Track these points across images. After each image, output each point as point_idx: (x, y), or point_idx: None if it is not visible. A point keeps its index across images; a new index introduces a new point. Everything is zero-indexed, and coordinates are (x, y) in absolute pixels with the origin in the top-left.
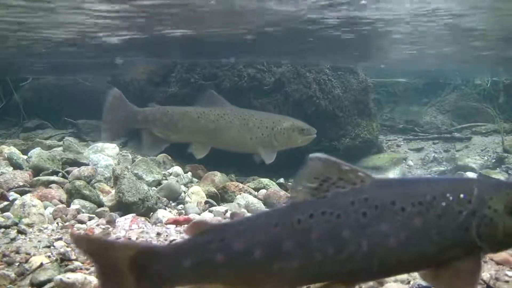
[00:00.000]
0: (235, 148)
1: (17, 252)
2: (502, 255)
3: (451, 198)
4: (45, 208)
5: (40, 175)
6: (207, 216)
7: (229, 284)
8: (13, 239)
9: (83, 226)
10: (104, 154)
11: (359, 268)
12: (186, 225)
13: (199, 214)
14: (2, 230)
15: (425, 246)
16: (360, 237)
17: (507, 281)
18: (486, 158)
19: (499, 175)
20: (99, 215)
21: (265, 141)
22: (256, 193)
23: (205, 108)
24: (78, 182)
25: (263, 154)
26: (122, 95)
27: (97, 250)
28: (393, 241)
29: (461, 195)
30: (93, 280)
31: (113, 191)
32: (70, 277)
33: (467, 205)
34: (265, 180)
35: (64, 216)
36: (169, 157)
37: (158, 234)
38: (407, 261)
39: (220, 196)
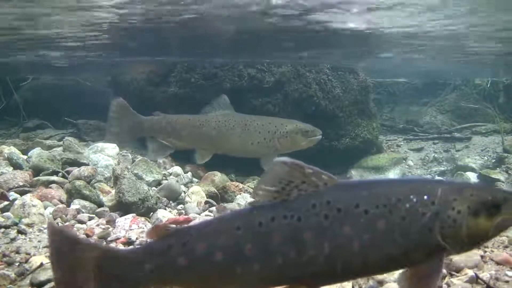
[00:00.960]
0: (238, 154)
1: (17, 252)
2: (502, 255)
3: (414, 200)
4: (45, 208)
5: (40, 175)
6: (207, 216)
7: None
8: (13, 239)
9: (83, 226)
10: (104, 154)
11: (321, 270)
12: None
13: (199, 214)
14: (2, 230)
15: (390, 248)
16: (322, 240)
17: (507, 281)
18: (486, 158)
19: (499, 175)
20: (99, 215)
21: (268, 146)
22: None
23: (207, 116)
24: (78, 182)
25: (264, 159)
26: (127, 104)
27: (64, 244)
28: (357, 244)
29: (425, 197)
30: None
31: (113, 191)
32: None
33: (431, 207)
34: None
35: (64, 216)
36: (169, 157)
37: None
38: (372, 263)
39: (220, 196)
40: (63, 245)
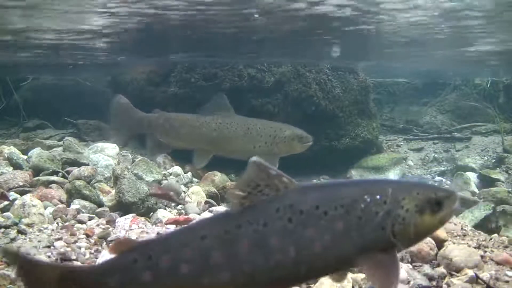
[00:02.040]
0: (238, 156)
1: None
2: (502, 255)
3: (368, 200)
4: (45, 208)
5: (40, 175)
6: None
7: None
8: (13, 239)
9: (83, 226)
10: (104, 154)
11: (287, 274)
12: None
13: (199, 214)
14: (2, 230)
15: (348, 247)
16: (288, 244)
17: (507, 281)
18: (486, 158)
19: (499, 175)
20: (99, 215)
21: (268, 149)
22: None
23: (207, 116)
24: (78, 182)
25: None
26: (128, 101)
27: (26, 268)
28: (319, 245)
29: (378, 197)
30: None
31: (113, 191)
32: None
33: (383, 206)
34: None
35: (64, 216)
36: (169, 157)
37: (158, 234)
38: (332, 263)
39: (220, 196)
40: (27, 271)
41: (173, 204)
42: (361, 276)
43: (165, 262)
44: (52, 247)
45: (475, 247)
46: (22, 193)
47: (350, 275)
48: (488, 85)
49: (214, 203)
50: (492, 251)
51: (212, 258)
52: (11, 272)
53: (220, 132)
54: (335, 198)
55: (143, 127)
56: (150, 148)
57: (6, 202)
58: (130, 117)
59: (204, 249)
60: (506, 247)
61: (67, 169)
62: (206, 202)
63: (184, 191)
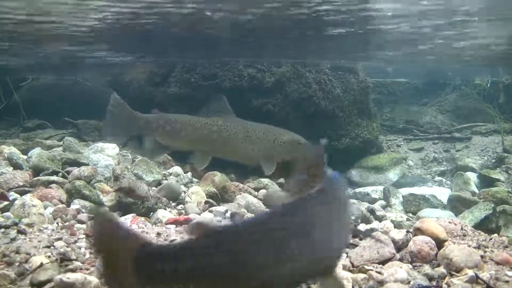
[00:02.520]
0: (237, 159)
1: (17, 252)
2: (502, 255)
3: None
4: (45, 208)
5: (40, 175)
6: (207, 216)
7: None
8: (13, 239)
9: (83, 226)
10: (104, 154)
11: None
12: (186, 225)
13: (199, 214)
14: (2, 230)
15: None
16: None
17: (507, 281)
18: (486, 158)
19: (499, 175)
20: None
21: (267, 153)
22: (256, 193)
23: (208, 118)
24: (78, 182)
25: (264, 165)
26: (122, 101)
27: (106, 236)
28: None
29: None
30: (93, 280)
31: (113, 191)
32: (70, 277)
33: None
34: (265, 180)
35: (64, 216)
36: (169, 157)
37: (158, 234)
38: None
39: (220, 196)
40: (105, 235)
41: (173, 204)
42: (361, 276)
43: (240, 250)
44: (52, 247)
45: (475, 247)
46: (22, 193)
47: (350, 275)
48: (488, 85)
49: (214, 203)
50: (492, 251)
51: (283, 249)
52: (11, 272)
53: (220, 134)
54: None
55: (140, 128)
56: (148, 150)
57: (6, 202)
58: (125, 118)
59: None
60: (506, 247)
61: (67, 169)
62: (206, 202)
63: (184, 191)
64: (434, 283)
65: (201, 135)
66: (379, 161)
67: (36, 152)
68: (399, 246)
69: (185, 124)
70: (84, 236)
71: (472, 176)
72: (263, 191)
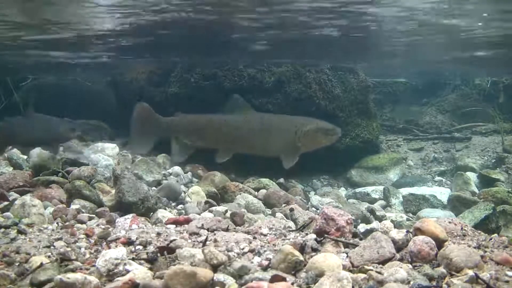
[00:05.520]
0: (259, 153)
1: (17, 252)
2: (502, 255)
3: None
4: (45, 208)
5: (40, 175)
6: (207, 216)
7: None
8: (13, 239)
9: (83, 226)
10: (104, 154)
11: None
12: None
13: (199, 214)
14: (2, 230)
15: None
16: None
17: (507, 281)
18: (486, 158)
19: (499, 175)
20: (99, 215)
21: (291, 145)
22: (256, 193)
23: (228, 115)
24: (78, 182)
25: (285, 158)
26: (149, 107)
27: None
28: None
29: None
30: (93, 280)
31: (113, 191)
32: (70, 277)
33: None
34: (265, 180)
35: (64, 216)
36: (169, 157)
37: (158, 234)
38: None
39: (220, 196)
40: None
41: (173, 204)
42: (361, 276)
43: None
44: (52, 247)
45: (475, 247)
46: (22, 193)
47: (350, 275)
48: (488, 85)
49: (214, 203)
50: (492, 251)
51: None
52: (11, 272)
53: (242, 130)
54: None
55: (165, 131)
56: (174, 151)
57: (6, 202)
58: (153, 123)
59: None
60: (506, 247)
61: (67, 169)
62: (206, 202)
63: (184, 191)
64: (434, 283)
65: (224, 132)
66: (379, 161)
67: (36, 152)
68: (399, 246)
69: (208, 123)
70: (84, 236)
71: (472, 176)
72: (263, 191)
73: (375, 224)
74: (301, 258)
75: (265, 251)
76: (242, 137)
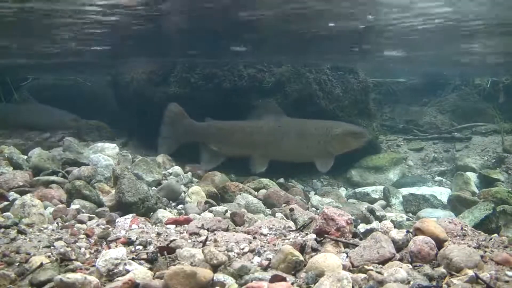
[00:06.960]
0: (292, 158)
1: (17, 252)
2: (502, 255)
3: None
4: (45, 208)
5: (40, 175)
6: (207, 216)
7: None
8: (13, 239)
9: (83, 226)
10: (104, 154)
11: None
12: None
13: (199, 214)
14: (2, 230)
15: None
16: None
17: (507, 281)
18: (486, 158)
19: (499, 175)
20: (99, 215)
21: (321, 149)
22: (256, 193)
23: (258, 121)
24: (78, 182)
25: (319, 162)
26: (182, 109)
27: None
28: None
29: None
30: (93, 280)
31: (113, 191)
32: (70, 277)
33: None
34: (265, 180)
35: (64, 216)
36: (169, 157)
37: (158, 234)
38: None
39: (220, 196)
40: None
41: (173, 204)
42: (361, 276)
43: None
44: (52, 247)
45: (475, 247)
46: (22, 193)
47: (350, 275)
48: (488, 85)
49: (214, 203)
50: (492, 251)
51: None
52: (11, 272)
53: (272, 136)
54: None
55: (195, 136)
56: (204, 158)
57: (6, 202)
58: (182, 126)
59: None
60: (506, 247)
61: (67, 169)
62: (206, 202)
63: (184, 191)
64: (434, 283)
65: (255, 139)
66: (379, 161)
67: (36, 152)
68: (399, 246)
69: (237, 129)
70: (84, 236)
71: (472, 176)
72: (263, 191)
73: (375, 224)
74: (301, 258)
75: (265, 251)
76: (278, 143)
